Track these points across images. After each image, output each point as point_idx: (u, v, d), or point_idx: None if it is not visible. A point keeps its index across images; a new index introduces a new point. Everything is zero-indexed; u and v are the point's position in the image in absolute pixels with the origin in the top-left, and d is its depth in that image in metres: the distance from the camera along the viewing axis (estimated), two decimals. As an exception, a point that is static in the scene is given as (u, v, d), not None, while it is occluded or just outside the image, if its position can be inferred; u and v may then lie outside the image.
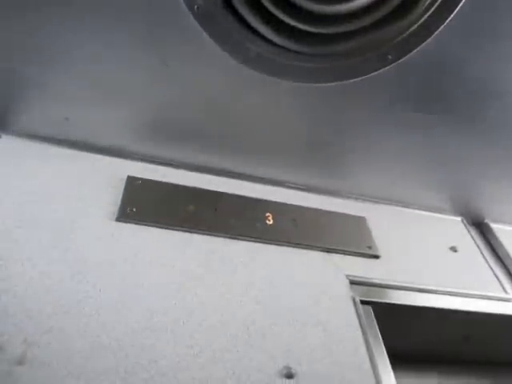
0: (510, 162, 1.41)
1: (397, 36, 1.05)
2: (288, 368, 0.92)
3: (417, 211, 1.55)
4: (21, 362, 0.78)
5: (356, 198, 1.48)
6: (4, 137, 1.19)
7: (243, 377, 0.89)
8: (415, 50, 1.06)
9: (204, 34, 0.99)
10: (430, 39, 1.04)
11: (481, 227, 1.61)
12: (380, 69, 1.09)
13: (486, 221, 1.61)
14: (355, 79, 1.10)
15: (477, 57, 1.09)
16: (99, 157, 1.25)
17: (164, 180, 1.23)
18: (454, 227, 1.56)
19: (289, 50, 1.06)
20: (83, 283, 0.93)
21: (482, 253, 1.48)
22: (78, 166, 1.20)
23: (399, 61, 1.07)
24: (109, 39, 1.02)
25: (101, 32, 1.01)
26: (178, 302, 0.96)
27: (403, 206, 1.53)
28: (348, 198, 1.47)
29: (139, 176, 1.21)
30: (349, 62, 1.08)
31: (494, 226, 1.60)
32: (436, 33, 1.03)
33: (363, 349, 1.03)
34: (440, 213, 1.58)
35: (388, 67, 1.08)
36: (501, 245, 1.52)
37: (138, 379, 0.82)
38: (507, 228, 1.61)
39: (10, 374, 0.76)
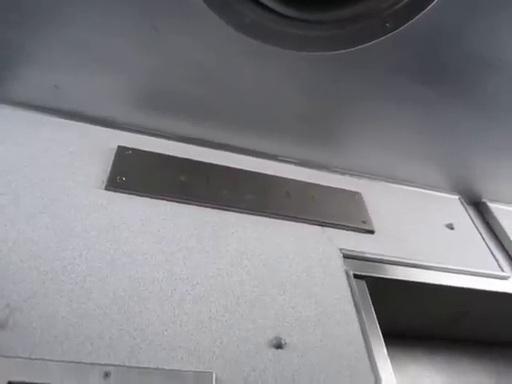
0: (509, 140, 1.38)
1: (396, 3, 1.01)
2: (278, 338, 0.91)
3: (413, 188, 1.52)
4: (2, 326, 0.76)
5: (352, 174, 1.46)
6: (-8, 105, 1.17)
7: (231, 346, 0.87)
8: (414, 19, 1.03)
9: (199, -1, 0.96)
10: (429, 8, 1.00)
11: (478, 206, 1.60)
12: (378, 37, 1.05)
13: (483, 200, 1.60)
14: (352, 48, 1.07)
15: (477, 26, 1.06)
16: (89, 126, 1.22)
17: (155, 150, 1.21)
18: (451, 205, 1.54)
19: (285, 17, 1.02)
20: (69, 250, 0.91)
21: (479, 231, 1.46)
22: (67, 135, 1.17)
23: (398, 29, 1.04)
24: (100, 6, 0.99)
25: (92, -1, 0.98)
26: (166, 271, 0.95)
27: (400, 183, 1.51)
28: (344, 173, 1.45)
29: (130, 146, 1.18)
30: (346, 30, 1.05)
31: (491, 205, 1.58)
32: (435, 1, 1.00)
33: (355, 322, 1.02)
34: (437, 191, 1.56)
35: (386, 36, 1.05)
36: (498, 224, 1.51)
37: (124, 346, 0.81)
38: (505, 207, 1.59)
39: (-9, 337, 0.74)
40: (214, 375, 0.80)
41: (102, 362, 0.77)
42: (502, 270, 1.33)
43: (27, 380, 0.72)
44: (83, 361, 0.76)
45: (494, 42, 1.09)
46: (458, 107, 1.26)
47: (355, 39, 1.06)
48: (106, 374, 0.75)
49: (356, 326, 1.01)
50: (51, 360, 0.75)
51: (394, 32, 1.04)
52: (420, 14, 1.02)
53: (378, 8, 1.02)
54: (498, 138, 1.37)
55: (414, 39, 1.06)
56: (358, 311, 1.04)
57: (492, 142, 1.39)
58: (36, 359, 0.75)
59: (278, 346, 0.90)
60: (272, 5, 1.00)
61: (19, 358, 0.74)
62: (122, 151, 1.16)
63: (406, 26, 1.03)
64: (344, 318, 1.01)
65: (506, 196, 1.61)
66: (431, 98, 1.22)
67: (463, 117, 1.29)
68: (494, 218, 1.53)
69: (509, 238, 1.44)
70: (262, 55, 1.08)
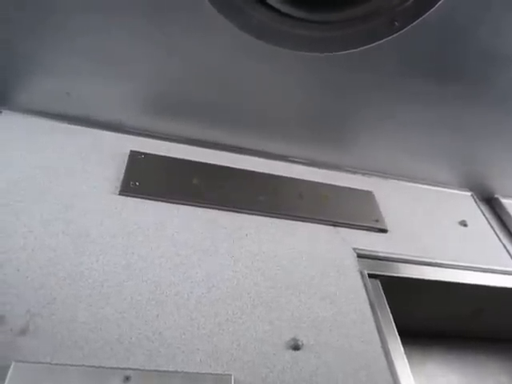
0: (522, 135, 1.37)
1: (404, 1, 1.01)
2: (295, 340, 0.91)
3: (426, 186, 1.52)
4: (24, 332, 0.77)
5: (363, 173, 1.45)
6: (5, 112, 1.18)
7: (249, 348, 0.87)
8: (423, 16, 1.02)
9: (206, 1, 0.96)
10: (438, 4, 1.00)
11: (491, 202, 1.59)
12: (387, 36, 1.05)
13: (496, 196, 1.58)
14: (361, 48, 1.07)
15: (487, 21, 1.05)
16: (102, 132, 1.23)
17: (167, 154, 1.21)
18: (464, 202, 1.53)
19: (293, 18, 1.02)
20: (86, 255, 0.92)
21: (492, 227, 1.45)
22: (80, 141, 1.18)
23: (406, 28, 1.03)
24: (109, 12, 1.00)
25: (101, 5, 0.98)
26: (182, 275, 0.95)
27: (412, 181, 1.51)
28: (355, 172, 1.44)
29: (142, 151, 1.19)
30: (355, 30, 1.05)
31: (504, 200, 1.57)
32: (443, -1, 0.99)
33: (371, 321, 1.02)
34: (449, 188, 1.55)
35: (395, 34, 1.04)
36: (511, 219, 1.49)
37: (142, 350, 0.81)
38: (518, 203, 1.58)
39: (13, 343, 0.75)
40: (232, 377, 0.80)
41: (122, 366, 0.78)
42: (517, 267, 1.33)
43: (49, 385, 0.73)
44: (103, 365, 0.77)
45: (505, 36, 1.08)
46: (469, 103, 1.25)
47: (364, 39, 1.05)
48: (127, 378, 0.76)
49: (372, 325, 1.01)
50: (72, 365, 0.76)
51: (403, 30, 1.04)
52: (429, 12, 1.01)
53: (387, 6, 1.02)
54: (510, 133, 1.36)
55: (424, 37, 1.06)
56: (373, 310, 1.04)
57: (503, 138, 1.38)
58: (57, 364, 0.76)
59: (296, 347, 0.90)
60: (279, 6, 1.00)
61: (41, 363, 0.75)
62: (134, 156, 1.17)
63: (414, 24, 1.03)
64: (360, 317, 1.01)
65: (520, 191, 1.60)
66: (441, 95, 1.22)
67: (473, 113, 1.28)
68: (507, 214, 1.52)
69: (522, 234, 1.44)
70: (271, 57, 1.08)
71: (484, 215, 1.50)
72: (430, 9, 1.01)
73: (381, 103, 1.25)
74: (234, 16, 0.99)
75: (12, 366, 0.72)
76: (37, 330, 0.78)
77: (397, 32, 1.04)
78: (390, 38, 1.05)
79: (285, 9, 1.00)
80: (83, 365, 0.77)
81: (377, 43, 1.05)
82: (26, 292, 0.83)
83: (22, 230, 0.92)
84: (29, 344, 0.76)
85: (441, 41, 1.08)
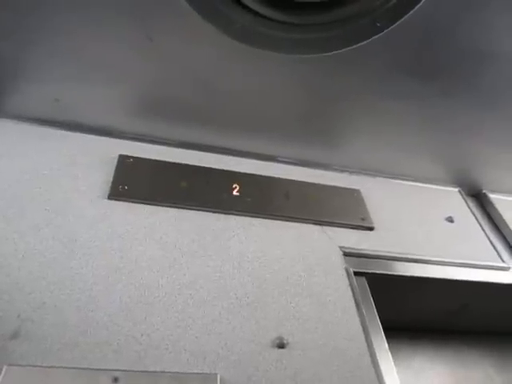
0: (507, 129, 1.38)
1: (386, 2, 1.02)
2: (280, 338, 0.94)
3: (413, 183, 1.54)
4: (15, 336, 0.80)
5: (350, 172, 1.47)
6: (-6, 119, 1.20)
7: (235, 347, 0.90)
8: (405, 17, 1.04)
9: (189, 7, 0.98)
10: (420, 4, 1.01)
11: (478, 197, 1.60)
12: (370, 37, 1.06)
13: (483, 191, 1.60)
14: (344, 49, 1.08)
15: (469, 19, 1.06)
16: (90, 137, 1.25)
17: (156, 158, 1.23)
18: (451, 198, 1.55)
19: (276, 21, 1.04)
20: (76, 260, 0.94)
21: (479, 223, 1.47)
22: (69, 147, 1.20)
23: (389, 28, 1.05)
24: (95, 17, 1.01)
25: (87, 10, 1.00)
26: (170, 277, 0.98)
27: (399, 179, 1.53)
28: (342, 171, 1.46)
29: (131, 154, 1.21)
30: (337, 32, 1.06)
31: (491, 196, 1.59)
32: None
33: (356, 319, 1.04)
34: (437, 184, 1.57)
35: (378, 35, 1.06)
36: (498, 214, 1.51)
37: (131, 351, 0.84)
38: (505, 198, 1.60)
39: (5, 347, 0.78)
40: (218, 377, 0.83)
41: (111, 368, 0.80)
42: (503, 261, 1.35)
43: (40, 387, 0.75)
44: (93, 367, 0.80)
45: (487, 34, 1.10)
46: (455, 100, 1.27)
47: (346, 40, 1.07)
48: (115, 379, 0.78)
49: (357, 323, 1.03)
50: (62, 367, 0.79)
51: (385, 31, 1.05)
52: (410, 12, 1.03)
53: (368, 8, 1.03)
54: (496, 129, 1.38)
55: (407, 36, 1.07)
56: (358, 308, 1.06)
57: (490, 133, 1.39)
58: (48, 367, 0.78)
59: (281, 345, 0.92)
60: (261, 10, 1.01)
61: (32, 366, 0.78)
62: (123, 160, 1.19)
63: (396, 24, 1.04)
64: (345, 315, 1.04)
65: (506, 186, 1.61)
66: (428, 92, 1.23)
67: (460, 109, 1.30)
68: (494, 209, 1.54)
69: (509, 228, 1.45)
70: (256, 59, 1.10)
71: (471, 211, 1.51)
72: (411, 9, 1.02)
73: (366, 102, 1.26)
74: (217, 20, 1.01)
75: (4, 370, 0.75)
76: (28, 333, 0.81)
77: (379, 33, 1.05)
78: (372, 38, 1.06)
79: (267, 13, 1.02)
80: (73, 367, 0.79)
81: (360, 44, 1.07)
82: (16, 297, 0.85)
83: (13, 236, 0.95)
84: (20, 348, 0.79)
85: (423, 40, 1.09)
